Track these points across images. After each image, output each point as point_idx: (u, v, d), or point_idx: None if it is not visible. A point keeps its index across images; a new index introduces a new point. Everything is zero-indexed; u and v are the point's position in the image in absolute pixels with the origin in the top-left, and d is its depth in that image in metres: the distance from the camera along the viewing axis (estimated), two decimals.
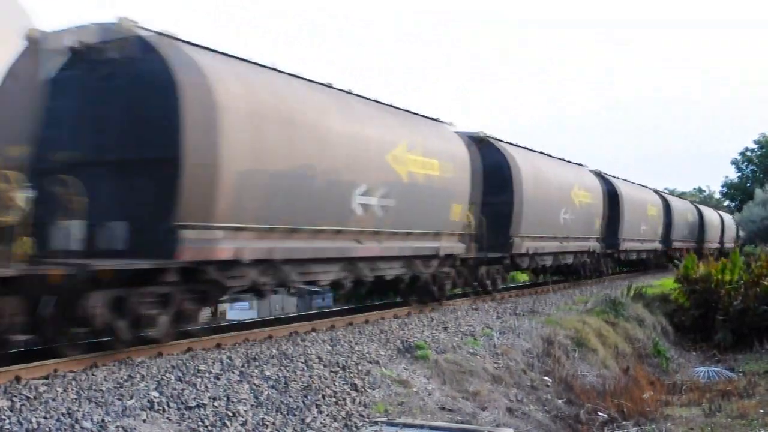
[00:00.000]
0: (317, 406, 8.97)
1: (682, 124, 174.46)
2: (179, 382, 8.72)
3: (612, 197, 28.73)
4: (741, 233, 53.04)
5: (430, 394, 10.58)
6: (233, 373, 9.37)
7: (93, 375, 8.76)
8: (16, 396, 7.64)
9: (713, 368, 17.71)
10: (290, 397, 9.01)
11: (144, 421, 7.46)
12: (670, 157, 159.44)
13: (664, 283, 26.78)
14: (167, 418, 7.68)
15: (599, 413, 12.32)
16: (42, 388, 8.03)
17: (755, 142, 65.68)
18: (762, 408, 12.70)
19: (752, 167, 65.99)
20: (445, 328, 14.08)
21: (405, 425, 8.73)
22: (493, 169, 18.97)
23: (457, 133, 17.61)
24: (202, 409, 8.02)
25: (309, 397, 9.13)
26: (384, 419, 9.05)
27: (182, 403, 8.09)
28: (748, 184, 63.29)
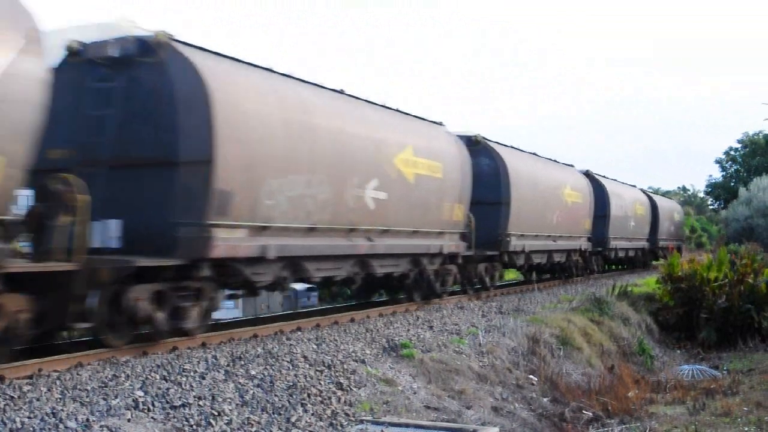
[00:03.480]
0: (303, 405, 8.97)
1: (667, 123, 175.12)
2: (164, 382, 8.70)
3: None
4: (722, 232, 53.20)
5: (415, 393, 10.60)
6: (218, 372, 9.35)
7: (78, 374, 8.72)
8: None
9: (697, 366, 17.78)
10: (276, 396, 9.00)
11: (129, 420, 7.44)
12: (654, 156, 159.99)
13: (648, 281, 26.88)
14: (152, 417, 7.66)
15: (584, 411, 12.36)
16: (26, 388, 7.99)
17: (739, 141, 66.00)
18: (746, 406, 12.76)
19: (736, 166, 66.26)
20: (431, 327, 14.10)
21: (390, 424, 8.74)
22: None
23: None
24: (187, 409, 8.00)
25: (294, 396, 9.12)
26: (369, 418, 9.06)
27: (167, 402, 8.07)
28: (732, 183, 63.55)
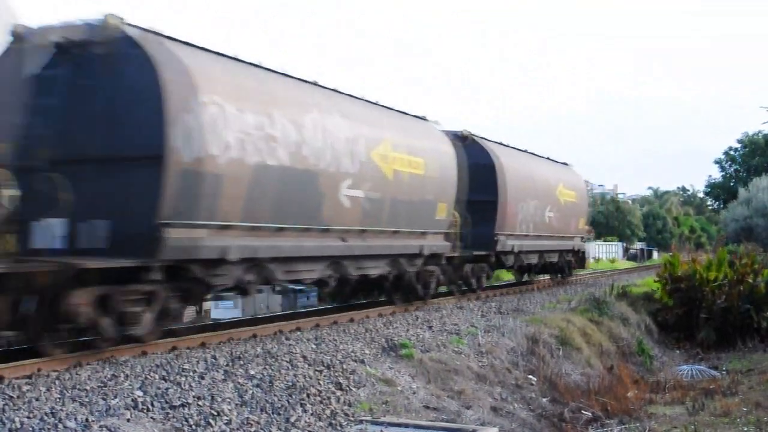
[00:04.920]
0: (302, 405, 8.97)
1: (667, 124, 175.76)
2: (164, 381, 8.70)
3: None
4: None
5: (414, 393, 10.60)
6: (218, 372, 9.35)
7: (77, 374, 8.73)
8: None
9: (697, 367, 17.79)
10: (275, 396, 9.00)
11: (128, 420, 7.44)
12: (654, 156, 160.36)
13: (647, 281, 26.87)
14: (151, 417, 7.66)
15: (583, 412, 12.37)
16: (25, 388, 7.99)
17: (738, 141, 65.97)
18: (744, 406, 12.78)
19: (736, 167, 66.21)
20: (430, 327, 14.10)
21: (390, 424, 8.74)
22: None
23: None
24: (186, 409, 8.00)
25: (294, 396, 9.12)
26: (369, 418, 9.05)
27: (166, 402, 8.07)
28: (732, 183, 63.51)
